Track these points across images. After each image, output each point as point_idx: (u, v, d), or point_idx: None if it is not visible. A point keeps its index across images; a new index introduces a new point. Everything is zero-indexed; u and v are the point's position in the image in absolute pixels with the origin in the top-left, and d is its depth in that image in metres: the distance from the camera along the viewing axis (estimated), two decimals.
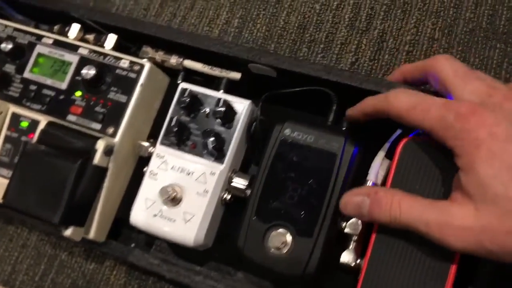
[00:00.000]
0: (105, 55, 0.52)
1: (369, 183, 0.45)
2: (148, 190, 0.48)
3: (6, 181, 0.50)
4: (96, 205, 0.49)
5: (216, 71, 0.52)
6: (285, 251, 0.43)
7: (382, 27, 0.59)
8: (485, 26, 0.56)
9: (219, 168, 0.47)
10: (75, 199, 0.46)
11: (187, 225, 0.46)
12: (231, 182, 0.48)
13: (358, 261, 0.43)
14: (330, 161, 0.44)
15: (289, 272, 0.43)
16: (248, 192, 0.47)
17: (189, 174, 0.47)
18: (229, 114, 0.48)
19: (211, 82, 0.53)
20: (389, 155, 0.45)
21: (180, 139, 0.48)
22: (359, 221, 0.43)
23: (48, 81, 0.52)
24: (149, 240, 0.54)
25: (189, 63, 0.53)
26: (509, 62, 0.54)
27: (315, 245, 0.43)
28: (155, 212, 0.47)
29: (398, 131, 0.45)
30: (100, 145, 0.47)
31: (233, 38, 0.63)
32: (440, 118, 0.37)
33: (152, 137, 0.52)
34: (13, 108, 0.52)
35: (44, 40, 0.54)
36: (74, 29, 0.55)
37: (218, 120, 0.48)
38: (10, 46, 0.53)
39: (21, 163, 0.47)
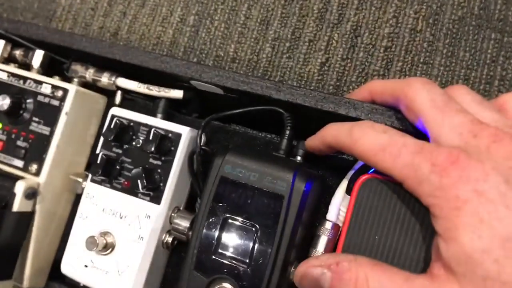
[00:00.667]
0: (25, 79, 0.45)
1: (328, 225, 0.38)
2: (79, 235, 0.42)
3: None
4: (25, 253, 0.43)
5: (153, 91, 0.44)
6: None
7: (356, 18, 0.50)
8: (477, 12, 0.47)
9: (156, 210, 0.40)
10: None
11: (121, 277, 0.40)
12: (172, 223, 0.41)
13: None
14: (276, 203, 0.36)
15: None
16: (189, 236, 0.40)
17: (122, 217, 0.41)
18: (164, 145, 0.41)
19: (153, 101, 0.46)
20: (349, 191, 0.38)
21: (111, 175, 0.42)
22: None
23: None
24: None
25: (122, 82, 0.45)
26: (506, 55, 0.45)
27: None
28: (85, 262, 0.41)
29: (360, 162, 0.37)
30: (20, 188, 0.41)
31: (189, 39, 0.55)
32: (413, 168, 0.29)
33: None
34: None
35: None
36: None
37: (153, 153, 0.41)
38: None
39: None
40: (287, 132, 0.40)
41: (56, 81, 0.44)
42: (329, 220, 0.38)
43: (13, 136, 0.44)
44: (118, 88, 0.46)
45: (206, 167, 0.41)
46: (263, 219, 0.37)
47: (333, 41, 0.50)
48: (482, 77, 0.45)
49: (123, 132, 0.41)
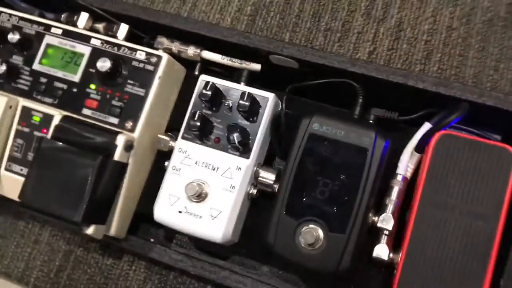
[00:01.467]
0: (119, 46, 0.50)
1: (400, 178, 0.45)
2: (171, 186, 0.46)
3: (19, 178, 0.48)
4: (116, 201, 0.47)
5: (236, 63, 0.50)
6: (317, 247, 0.43)
7: (399, 15, 0.58)
8: (504, 15, 0.55)
9: (245, 163, 0.46)
10: (97, 196, 0.44)
11: (214, 221, 0.45)
12: (258, 177, 0.46)
13: (391, 255, 0.43)
14: (361, 156, 0.43)
15: (323, 269, 0.43)
16: (276, 187, 0.46)
17: (214, 169, 0.46)
18: (253, 108, 0.46)
19: (229, 73, 0.51)
20: (417, 149, 0.45)
21: (203, 133, 0.47)
22: (391, 215, 0.43)
23: (59, 73, 0.50)
24: (168, 235, 0.53)
25: (207, 55, 0.51)
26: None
27: (348, 241, 0.42)
28: (180, 208, 0.46)
29: (426, 125, 0.45)
30: (121, 141, 0.46)
31: (246, 27, 0.61)
32: None
33: (169, 130, 0.51)
34: (23, 102, 0.50)
35: (53, 30, 0.51)
36: (83, 18, 0.53)
37: (242, 114, 0.47)
38: (17, 36, 0.50)
39: (37, 160, 0.45)
40: (360, 100, 0.47)
41: (148, 49, 0.49)
42: (399, 174, 0.45)
43: (107, 96, 0.49)
44: (202, 59, 0.51)
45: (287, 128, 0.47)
46: (348, 169, 0.43)
47: (379, 33, 0.58)
48: (509, 68, 0.54)
49: (215, 95, 0.47)
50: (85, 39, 0.50)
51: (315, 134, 0.44)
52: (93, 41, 0.50)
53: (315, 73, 0.49)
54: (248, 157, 0.46)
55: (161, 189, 0.47)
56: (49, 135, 0.47)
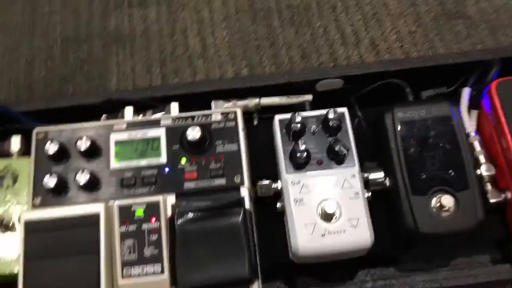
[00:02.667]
0: (191, 117, 0.51)
1: (473, 134, 0.52)
2: (302, 216, 0.48)
3: (142, 280, 0.45)
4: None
5: (293, 99, 0.55)
6: (453, 210, 0.48)
7: (370, 35, 0.69)
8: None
9: (356, 169, 0.50)
10: (251, 248, 0.44)
11: (357, 229, 0.47)
12: (368, 179, 0.51)
13: (502, 195, 0.50)
14: (447, 122, 0.50)
15: (466, 226, 0.47)
16: (387, 181, 0.50)
17: (333, 185, 0.49)
18: (334, 124, 0.51)
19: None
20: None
21: (306, 161, 0.50)
22: (492, 165, 0.50)
23: (143, 162, 0.50)
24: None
25: (266, 100, 0.55)
26: (469, 33, 0.68)
27: (474, 193, 0.48)
28: (321, 232, 0.47)
29: (466, 89, 0.54)
30: (245, 192, 0.47)
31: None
32: None
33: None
34: (117, 202, 0.48)
35: (116, 127, 0.51)
36: (128, 112, 0.54)
37: (330, 132, 0.51)
38: (86, 144, 0.49)
39: (179, 240, 0.44)
40: (407, 90, 0.55)
41: (219, 109, 0.52)
42: (470, 131, 0.53)
43: (203, 163, 0.49)
44: (262, 106, 0.55)
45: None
46: (444, 136, 0.50)
47: (360, 55, 0.68)
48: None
49: (303, 125, 0.51)
50: (154, 124, 0.51)
51: (404, 121, 0.51)
52: (163, 121, 0.51)
53: (355, 85, 0.56)
54: (354, 165, 0.50)
55: (293, 225, 0.48)
56: (163, 220, 0.46)
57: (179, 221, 0.45)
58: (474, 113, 0.54)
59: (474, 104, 0.54)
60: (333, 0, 0.72)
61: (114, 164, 0.50)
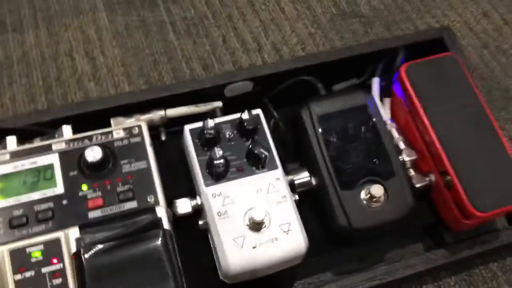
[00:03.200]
0: (88, 137, 0.45)
1: (389, 121, 0.51)
2: (228, 230, 0.43)
3: None
4: None
5: (201, 107, 0.51)
6: (384, 200, 0.45)
7: (270, 40, 0.67)
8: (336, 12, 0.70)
9: (279, 172, 0.46)
10: (176, 274, 0.38)
11: (290, 234, 0.43)
12: (294, 181, 0.47)
13: (427, 179, 0.49)
14: (364, 111, 0.49)
15: (399, 215, 0.45)
16: (313, 180, 0.47)
17: (257, 192, 0.45)
18: (250, 126, 0.47)
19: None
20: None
21: (225, 170, 0.45)
22: (412, 150, 0.49)
23: (35, 195, 0.42)
24: None
25: (172, 112, 0.50)
26: (366, 30, 0.69)
27: (402, 179, 0.46)
28: (251, 244, 0.43)
29: (375, 79, 0.53)
30: (162, 212, 0.41)
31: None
32: None
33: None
34: (7, 247, 0.40)
35: None
36: (11, 142, 0.46)
37: (246, 136, 0.47)
38: None
39: (91, 282, 0.37)
40: (319, 85, 0.53)
41: (121, 126, 0.46)
42: (385, 119, 0.52)
43: (108, 187, 0.43)
44: (169, 118, 0.50)
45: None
46: (363, 126, 0.48)
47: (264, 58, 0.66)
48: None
49: (217, 133, 0.46)
50: (44, 150, 0.44)
51: (321, 114, 0.48)
52: (55, 146, 0.44)
53: (265, 87, 0.53)
54: (276, 167, 0.46)
55: (218, 242, 0.43)
56: (66, 257, 0.39)
57: (87, 255, 0.37)
58: (387, 101, 0.54)
59: (385, 93, 0.54)
60: (229, 9, 0.69)
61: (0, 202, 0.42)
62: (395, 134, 0.51)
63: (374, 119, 0.48)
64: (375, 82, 0.54)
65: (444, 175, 0.46)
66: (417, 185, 0.48)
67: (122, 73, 0.63)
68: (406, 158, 0.49)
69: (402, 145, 0.50)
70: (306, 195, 0.48)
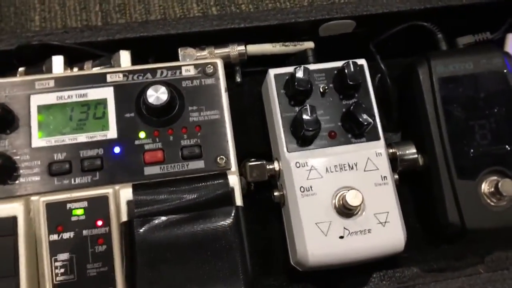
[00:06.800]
0: (147, 72, 0.36)
1: None
2: (312, 212, 0.34)
3: None
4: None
5: (290, 46, 0.41)
6: (510, 198, 0.36)
7: None
8: None
9: (381, 145, 0.36)
10: (247, 264, 0.30)
11: (387, 228, 0.34)
12: (397, 156, 0.37)
13: None
14: (501, 79, 0.37)
15: None
16: (420, 160, 0.38)
17: (352, 167, 0.35)
18: (353, 80, 0.37)
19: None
20: None
21: (314, 135, 0.36)
22: None
23: (82, 138, 0.34)
24: None
25: (254, 48, 0.40)
26: None
27: None
28: (339, 233, 0.34)
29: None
30: (235, 181, 0.32)
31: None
32: None
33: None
34: (43, 198, 0.32)
35: (39, 85, 0.35)
36: (57, 62, 0.37)
37: (346, 92, 0.37)
38: None
39: (142, 259, 0.29)
40: (439, 36, 0.41)
41: (191, 61, 0.37)
42: None
43: (171, 138, 0.34)
44: (248, 55, 0.40)
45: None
46: (497, 99, 0.37)
47: None
48: None
49: (306, 83, 0.36)
50: (96, 80, 0.35)
51: (444, 77, 0.37)
52: (110, 77, 0.35)
53: (370, 29, 0.42)
54: (378, 138, 0.37)
55: (296, 224, 0.34)
56: (125, 218, 0.31)
57: (141, 230, 0.30)
58: None
59: None
60: None
61: (38, 140, 0.34)
62: None
63: None
64: (508, 39, 0.42)
65: None
66: None
67: None
68: None
69: None
70: (407, 176, 0.38)
